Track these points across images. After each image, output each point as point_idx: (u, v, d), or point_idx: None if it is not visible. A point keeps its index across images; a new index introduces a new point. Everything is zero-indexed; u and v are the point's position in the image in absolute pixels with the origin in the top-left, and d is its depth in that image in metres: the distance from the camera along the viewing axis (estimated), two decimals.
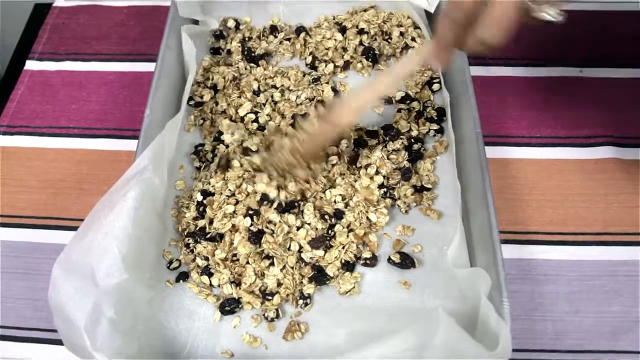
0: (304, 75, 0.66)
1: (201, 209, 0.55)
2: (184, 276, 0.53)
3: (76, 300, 0.44)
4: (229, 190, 0.55)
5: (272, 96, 0.64)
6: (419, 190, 0.57)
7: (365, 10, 0.70)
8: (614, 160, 0.60)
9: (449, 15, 0.43)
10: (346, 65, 0.66)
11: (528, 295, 0.53)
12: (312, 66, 0.67)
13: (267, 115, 0.62)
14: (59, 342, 0.51)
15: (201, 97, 0.64)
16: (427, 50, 0.48)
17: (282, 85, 0.65)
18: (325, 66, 0.66)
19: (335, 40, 0.67)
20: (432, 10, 0.67)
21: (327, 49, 0.67)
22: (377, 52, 0.66)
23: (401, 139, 0.59)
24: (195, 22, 0.69)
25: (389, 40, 0.67)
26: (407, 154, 0.59)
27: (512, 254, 0.55)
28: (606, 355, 0.50)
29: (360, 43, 0.67)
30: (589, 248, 0.55)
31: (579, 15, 0.72)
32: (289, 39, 0.69)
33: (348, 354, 0.45)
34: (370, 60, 0.66)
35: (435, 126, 0.61)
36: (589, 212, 0.57)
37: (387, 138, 0.59)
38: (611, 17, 0.72)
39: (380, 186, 0.56)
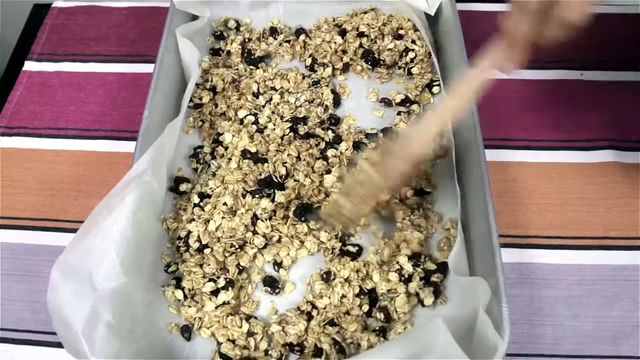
0: (303, 78, 0.66)
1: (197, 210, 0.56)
2: (180, 279, 0.53)
3: (74, 305, 0.44)
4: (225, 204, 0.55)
5: (271, 98, 0.64)
6: (419, 193, 0.57)
7: (365, 13, 0.70)
8: (615, 164, 0.60)
9: (519, 5, 0.39)
10: (346, 68, 0.66)
11: (527, 299, 0.53)
12: (312, 68, 0.66)
13: (267, 117, 0.62)
14: (57, 345, 0.52)
15: (200, 98, 0.64)
16: (496, 56, 0.44)
17: (282, 87, 0.65)
18: (324, 69, 0.66)
19: (335, 43, 0.67)
20: (432, 13, 0.67)
21: (327, 51, 0.67)
22: (376, 55, 0.66)
23: None
24: (196, 17, 0.68)
25: (389, 44, 0.67)
26: None
27: (511, 257, 0.55)
28: None
29: (360, 45, 0.67)
30: (589, 252, 0.55)
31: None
32: (288, 41, 0.69)
33: None
34: (369, 63, 0.66)
35: None
36: (589, 216, 0.57)
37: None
38: (612, 21, 0.71)
39: None
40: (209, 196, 0.56)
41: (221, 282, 0.51)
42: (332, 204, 0.53)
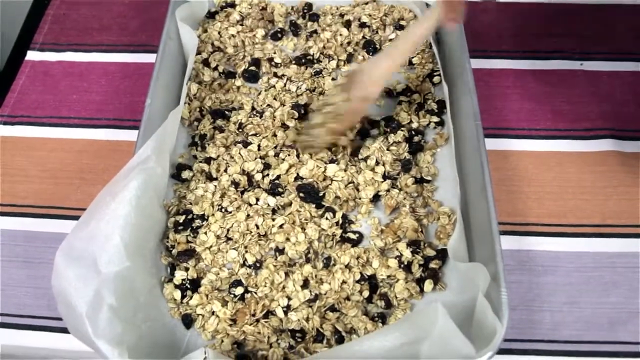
0: (306, 68, 0.66)
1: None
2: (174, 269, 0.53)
3: (78, 288, 0.44)
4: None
5: (274, 86, 0.64)
6: (419, 182, 0.57)
7: (366, 3, 0.70)
8: (614, 153, 0.60)
9: None
10: (349, 59, 0.67)
11: (526, 285, 0.53)
12: (318, 60, 0.67)
13: (267, 105, 0.63)
14: (59, 330, 0.52)
15: (199, 82, 0.64)
16: (439, 13, 0.49)
17: (284, 75, 0.65)
18: (329, 62, 0.66)
19: (341, 35, 0.67)
20: (432, 4, 0.67)
21: (334, 44, 0.67)
22: (378, 45, 0.66)
23: (402, 130, 0.60)
24: None
25: (390, 34, 0.67)
26: (407, 145, 0.59)
27: (511, 245, 0.55)
28: (604, 345, 0.51)
29: (362, 36, 0.67)
30: (588, 240, 0.56)
31: (580, 8, 0.72)
32: (296, 28, 0.69)
33: (348, 347, 0.45)
34: (371, 54, 0.66)
35: (435, 118, 0.61)
36: (588, 204, 0.58)
37: (388, 130, 0.60)
38: (612, 11, 0.72)
39: (384, 177, 0.57)
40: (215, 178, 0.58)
41: (239, 290, 0.51)
42: (302, 134, 0.58)
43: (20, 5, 0.77)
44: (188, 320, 0.51)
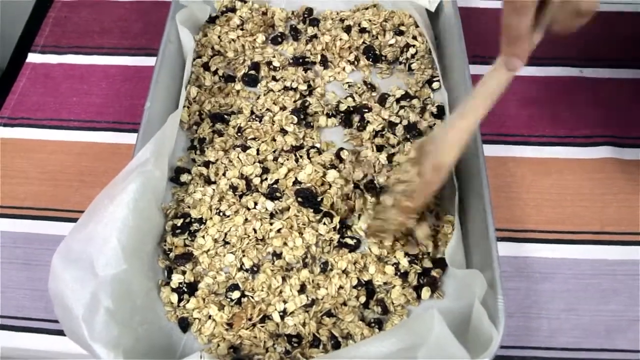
0: (304, 71, 0.66)
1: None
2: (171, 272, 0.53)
3: (75, 290, 0.44)
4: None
5: (272, 90, 0.64)
6: None
7: (366, 9, 0.70)
8: (613, 160, 0.60)
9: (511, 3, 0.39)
10: (348, 62, 0.67)
11: (524, 292, 0.53)
12: (321, 63, 0.67)
13: (266, 109, 0.63)
14: (57, 333, 0.52)
15: (199, 86, 0.65)
16: (502, 55, 0.43)
17: (282, 78, 0.65)
18: (335, 67, 0.66)
19: (341, 40, 0.67)
20: (432, 10, 0.67)
21: (334, 49, 0.67)
22: (377, 51, 0.66)
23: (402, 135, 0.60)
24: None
25: (390, 40, 0.67)
26: None
27: (509, 251, 0.55)
28: (602, 353, 0.50)
29: (362, 42, 0.67)
30: (586, 247, 0.56)
31: None
32: (296, 32, 0.69)
33: (345, 352, 0.45)
34: (370, 59, 0.66)
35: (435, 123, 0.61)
36: (586, 211, 0.58)
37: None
38: (612, 18, 0.72)
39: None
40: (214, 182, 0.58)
41: (235, 295, 0.51)
42: (375, 219, 0.52)
43: (22, 8, 0.77)
44: (184, 324, 0.50)
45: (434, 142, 0.48)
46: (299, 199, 0.55)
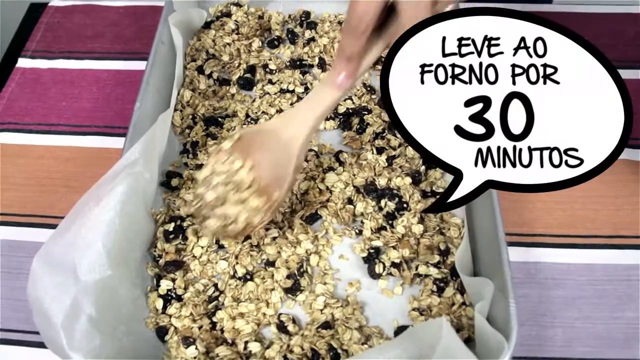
0: (303, 74, 0.64)
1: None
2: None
3: (54, 296, 0.41)
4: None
5: (268, 93, 0.62)
6: (429, 195, 0.54)
7: None
8: (624, 162, 0.58)
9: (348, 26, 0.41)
10: None
11: (536, 299, 0.50)
12: (319, 65, 0.65)
13: (262, 112, 0.60)
14: (39, 345, 0.49)
15: (193, 90, 0.62)
16: (333, 72, 0.44)
17: (279, 81, 0.63)
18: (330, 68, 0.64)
19: (338, 42, 0.65)
20: None
21: (331, 51, 0.65)
22: None
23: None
24: None
25: None
26: (421, 161, 0.56)
27: (518, 256, 0.52)
28: None
29: None
30: (600, 251, 0.53)
31: (585, 17, 0.70)
32: (294, 36, 0.67)
33: None
34: None
35: None
36: (598, 214, 0.55)
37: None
38: (618, 19, 0.70)
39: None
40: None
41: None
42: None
43: (14, 13, 0.76)
44: (163, 332, 0.47)
45: (265, 135, 0.47)
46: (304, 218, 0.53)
